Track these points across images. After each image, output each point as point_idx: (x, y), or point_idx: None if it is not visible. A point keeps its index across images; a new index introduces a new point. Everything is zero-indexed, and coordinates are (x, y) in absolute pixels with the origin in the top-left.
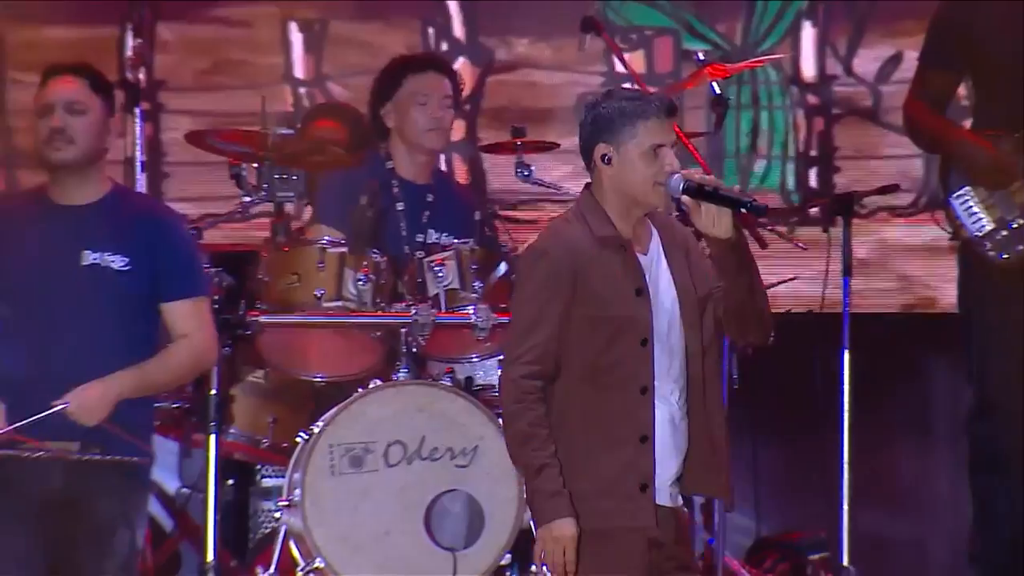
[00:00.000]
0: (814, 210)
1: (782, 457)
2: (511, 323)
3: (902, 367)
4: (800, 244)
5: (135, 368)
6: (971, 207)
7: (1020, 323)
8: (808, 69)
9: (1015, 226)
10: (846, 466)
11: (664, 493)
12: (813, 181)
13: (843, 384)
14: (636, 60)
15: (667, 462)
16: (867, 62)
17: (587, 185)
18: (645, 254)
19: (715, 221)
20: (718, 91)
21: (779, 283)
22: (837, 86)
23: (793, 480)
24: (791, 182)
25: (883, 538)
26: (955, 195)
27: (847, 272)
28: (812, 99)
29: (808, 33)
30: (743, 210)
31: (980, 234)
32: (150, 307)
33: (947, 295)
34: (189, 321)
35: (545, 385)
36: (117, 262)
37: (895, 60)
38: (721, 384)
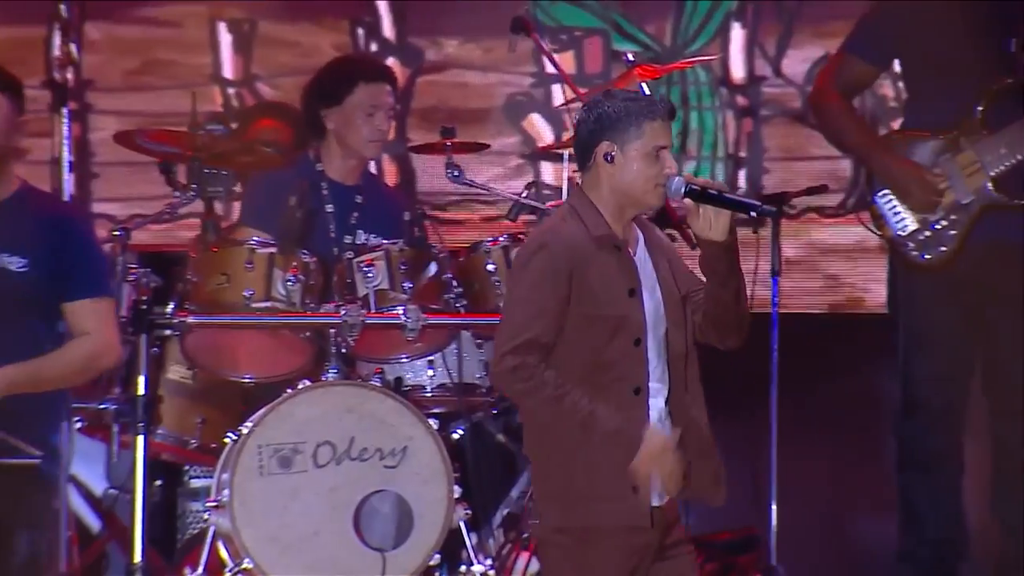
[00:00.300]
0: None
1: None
2: (505, 315)
3: (830, 367)
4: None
5: (26, 363)
6: (895, 207)
7: (945, 325)
8: (737, 70)
9: (937, 227)
10: (774, 465)
11: (654, 492)
12: (742, 182)
13: (773, 383)
14: (566, 61)
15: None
16: (796, 63)
17: (577, 185)
18: (634, 255)
19: (712, 224)
20: (647, 92)
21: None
22: (766, 87)
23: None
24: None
25: (811, 537)
26: (880, 194)
27: (776, 272)
28: (741, 100)
29: (737, 34)
30: (753, 214)
31: (903, 234)
32: (51, 308)
33: (875, 295)
34: (89, 321)
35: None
36: (15, 263)
37: (823, 62)
38: (701, 385)
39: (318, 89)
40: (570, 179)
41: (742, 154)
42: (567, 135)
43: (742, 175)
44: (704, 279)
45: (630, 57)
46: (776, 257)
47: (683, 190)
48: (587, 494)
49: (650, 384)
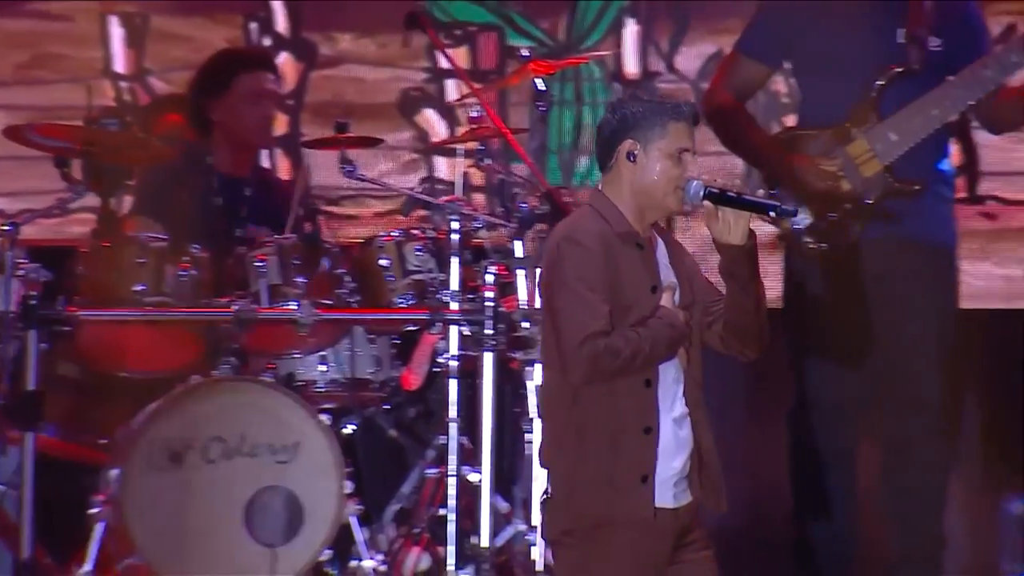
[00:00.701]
0: None
1: None
2: (558, 317)
3: (726, 359)
4: None
5: None
6: (790, 201)
7: (840, 321)
8: (631, 66)
9: (833, 218)
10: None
11: (667, 491)
12: None
13: None
14: (460, 56)
15: (671, 459)
16: (689, 59)
17: (596, 187)
18: (654, 255)
19: (732, 227)
20: (542, 87)
21: None
22: (660, 83)
23: None
24: None
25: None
26: (776, 189)
27: None
28: None
29: (631, 30)
30: (772, 215)
31: (800, 226)
32: None
33: (769, 289)
34: None
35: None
36: None
37: (717, 57)
38: (704, 391)
39: (200, 83)
40: (464, 174)
41: None
42: (461, 130)
43: None
44: (723, 290)
45: (524, 53)
46: None
47: (702, 193)
48: (593, 485)
49: (665, 382)
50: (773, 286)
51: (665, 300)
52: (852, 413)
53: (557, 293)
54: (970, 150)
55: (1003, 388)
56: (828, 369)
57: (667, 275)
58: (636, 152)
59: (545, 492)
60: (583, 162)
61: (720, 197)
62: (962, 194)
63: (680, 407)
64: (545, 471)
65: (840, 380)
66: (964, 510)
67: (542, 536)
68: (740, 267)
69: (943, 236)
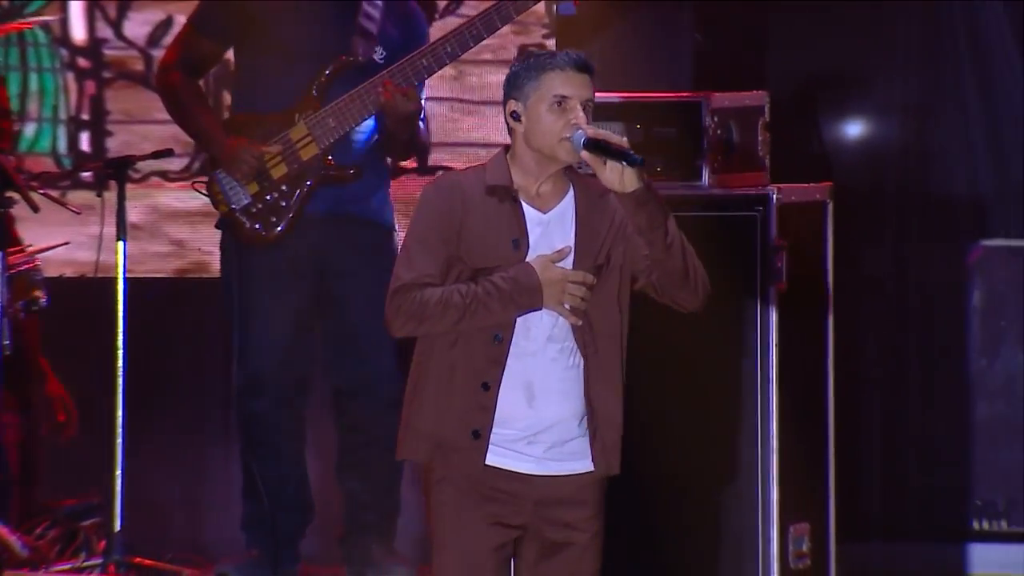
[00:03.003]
0: (87, 174)
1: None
2: (398, 258)
3: (178, 330)
4: (73, 208)
5: None
6: (231, 182)
7: (284, 302)
8: (78, 32)
9: (270, 199)
10: (123, 433)
11: (514, 453)
12: (85, 145)
13: (122, 349)
14: None
15: (520, 420)
16: (137, 26)
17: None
18: (545, 211)
19: (620, 177)
20: None
21: (52, 248)
22: (108, 49)
23: (64, 445)
24: (63, 145)
25: (154, 502)
26: (219, 170)
27: (122, 236)
28: (83, 62)
29: None
30: (625, 163)
31: (237, 207)
32: None
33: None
34: None
35: None
36: None
37: (165, 25)
38: (617, 355)
39: None
40: None
41: (84, 116)
42: None
43: (84, 138)
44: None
45: None
46: (122, 222)
47: (582, 143)
48: (424, 435)
49: (534, 341)
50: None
51: (547, 258)
52: (302, 391)
53: (404, 239)
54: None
55: None
56: (276, 351)
57: (562, 233)
58: (518, 111)
59: None
60: (30, 128)
61: (596, 145)
62: (413, 165)
63: (557, 368)
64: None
65: (288, 360)
66: None
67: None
68: (635, 216)
69: (382, 215)
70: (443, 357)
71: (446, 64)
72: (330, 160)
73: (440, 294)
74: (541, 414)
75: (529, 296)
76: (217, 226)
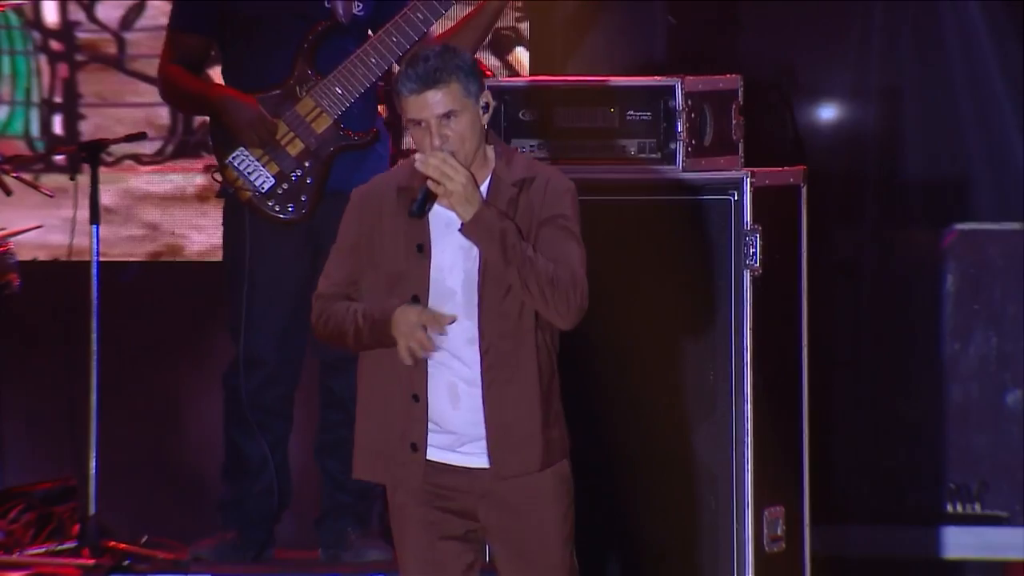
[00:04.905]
0: (60, 157)
1: (27, 405)
2: None
3: (154, 313)
4: (47, 192)
5: None
6: (249, 166)
7: (290, 280)
8: (50, 14)
9: (296, 178)
10: (96, 414)
11: (450, 453)
12: (58, 128)
13: (95, 332)
14: None
15: (451, 423)
16: (110, 9)
17: None
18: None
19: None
20: None
21: (25, 231)
22: (80, 32)
23: (40, 430)
24: (35, 128)
25: (129, 485)
26: (233, 156)
27: (95, 220)
28: (55, 45)
29: None
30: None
31: (264, 192)
32: None
33: (193, 243)
34: None
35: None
36: None
37: (138, 8)
38: (536, 349)
39: None
40: None
41: (57, 100)
42: None
43: (58, 121)
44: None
45: None
46: (95, 205)
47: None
48: (368, 452)
49: (448, 343)
50: (196, 238)
51: (414, 310)
52: (295, 370)
53: None
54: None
55: None
56: (276, 329)
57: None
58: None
59: None
60: (3, 111)
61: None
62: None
63: (474, 369)
64: None
65: (287, 339)
66: None
67: None
68: (476, 245)
69: None
70: (374, 369)
71: (441, 14)
72: (348, 130)
73: (338, 319)
74: (464, 416)
75: (387, 337)
76: (226, 218)
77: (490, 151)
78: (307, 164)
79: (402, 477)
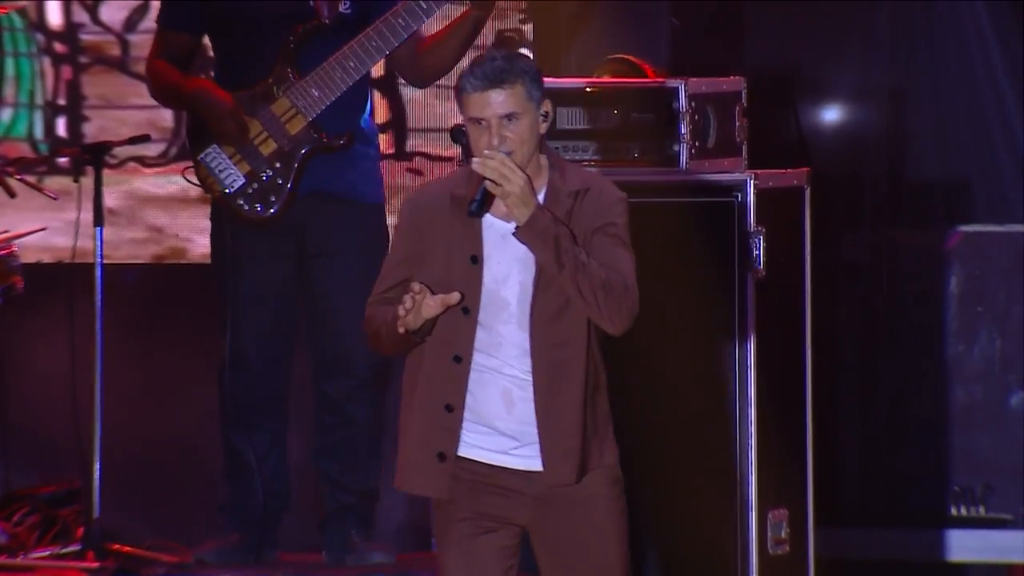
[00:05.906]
0: (64, 160)
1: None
2: None
3: (157, 316)
4: (50, 194)
5: None
6: (220, 164)
7: (271, 280)
8: (54, 16)
9: (266, 179)
10: (100, 417)
11: (500, 456)
12: (62, 130)
13: (99, 334)
14: None
15: (494, 436)
16: (114, 11)
17: None
18: (509, 219)
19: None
20: None
21: (29, 233)
22: (84, 34)
23: (44, 433)
24: (39, 131)
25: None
26: (205, 153)
27: (99, 222)
28: (60, 47)
29: None
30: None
31: (233, 191)
32: None
33: (198, 246)
34: None
35: None
36: None
37: (142, 10)
38: (586, 359)
39: None
40: None
41: (61, 102)
42: None
43: (61, 123)
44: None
45: None
46: (99, 207)
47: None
48: (405, 459)
49: (493, 357)
50: (200, 241)
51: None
52: (285, 371)
53: None
54: (397, 107)
55: None
56: (261, 330)
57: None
58: (464, 127)
59: None
60: (7, 114)
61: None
62: (391, 151)
63: (527, 377)
64: None
65: (272, 339)
66: None
67: None
68: (533, 252)
69: (371, 193)
70: (413, 378)
71: (423, 21)
72: (322, 132)
73: (376, 322)
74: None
75: (404, 337)
76: (212, 218)
77: (543, 160)
78: (278, 165)
79: (432, 487)
